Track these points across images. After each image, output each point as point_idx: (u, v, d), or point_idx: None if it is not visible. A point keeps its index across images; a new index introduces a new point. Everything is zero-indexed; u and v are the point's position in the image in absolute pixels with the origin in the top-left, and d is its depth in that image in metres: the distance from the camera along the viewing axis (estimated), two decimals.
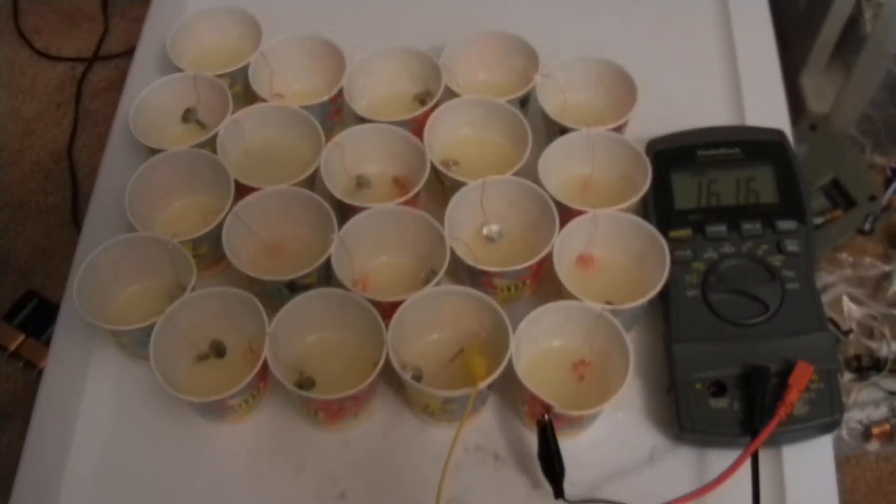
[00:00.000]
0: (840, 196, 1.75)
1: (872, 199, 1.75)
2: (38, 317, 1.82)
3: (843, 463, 1.62)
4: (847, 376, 1.62)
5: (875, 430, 1.61)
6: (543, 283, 0.96)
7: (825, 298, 0.88)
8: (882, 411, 1.63)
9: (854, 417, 1.62)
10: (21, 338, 1.79)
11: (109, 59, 2.33)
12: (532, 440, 0.87)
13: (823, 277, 1.68)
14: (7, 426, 1.72)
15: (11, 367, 1.80)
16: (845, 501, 0.88)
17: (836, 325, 1.64)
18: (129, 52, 1.23)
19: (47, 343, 1.13)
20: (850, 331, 1.67)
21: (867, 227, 1.77)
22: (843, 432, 1.60)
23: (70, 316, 0.94)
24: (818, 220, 1.70)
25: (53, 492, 0.88)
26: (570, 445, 0.87)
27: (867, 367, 1.62)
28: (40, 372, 0.95)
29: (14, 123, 2.19)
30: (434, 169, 0.97)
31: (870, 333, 1.68)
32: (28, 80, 2.29)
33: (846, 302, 1.70)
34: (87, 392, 0.94)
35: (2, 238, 1.99)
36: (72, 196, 2.07)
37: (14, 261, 1.95)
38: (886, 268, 1.74)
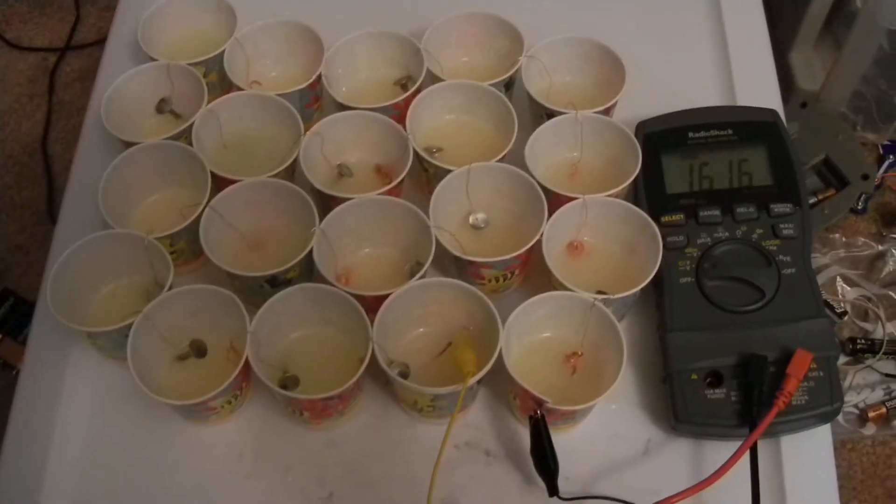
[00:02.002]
0: (832, 175, 1.74)
1: (865, 177, 1.74)
2: (15, 316, 1.78)
3: (839, 447, 1.61)
4: (842, 359, 1.61)
5: (871, 414, 1.59)
6: (532, 273, 0.94)
7: (818, 280, 0.87)
8: (878, 394, 1.62)
9: (850, 401, 1.61)
10: None
11: (82, 48, 2.29)
12: (524, 434, 0.85)
13: (816, 259, 1.67)
14: None
15: None
16: (841, 486, 0.86)
17: (831, 308, 1.63)
18: (102, 41, 1.20)
19: (24, 343, 1.10)
20: (845, 313, 1.66)
21: (860, 206, 1.76)
22: (839, 417, 1.58)
23: (45, 316, 0.92)
24: (810, 201, 1.69)
25: (34, 494, 0.86)
26: (563, 439, 0.85)
27: (862, 349, 1.61)
28: (18, 373, 0.93)
29: None
30: (417, 156, 0.95)
31: (864, 315, 1.67)
32: None
33: (840, 283, 1.69)
34: (66, 394, 0.92)
35: None
36: (47, 190, 2.03)
37: None
38: (880, 247, 1.73)
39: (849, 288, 1.68)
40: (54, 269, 0.87)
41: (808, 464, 0.86)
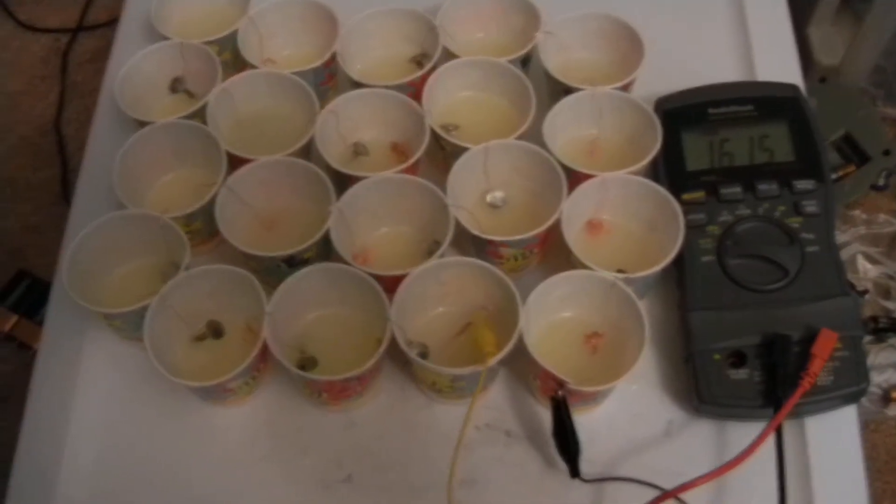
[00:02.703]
0: (852, 151, 1.72)
1: (886, 153, 1.72)
2: (31, 297, 1.79)
3: (862, 428, 1.59)
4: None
5: (894, 394, 1.58)
6: (551, 252, 0.93)
7: None
8: None
9: (872, 381, 1.59)
10: (14, 319, 1.77)
11: (95, 28, 2.28)
12: (545, 415, 0.84)
13: (837, 236, 1.65)
14: (3, 409, 1.69)
15: (6, 348, 1.78)
16: (865, 468, 0.85)
17: (852, 286, 1.61)
18: (114, 21, 1.19)
19: (41, 323, 1.10)
20: (866, 291, 1.64)
21: (881, 182, 1.74)
22: None
23: (62, 297, 0.91)
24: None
25: (52, 475, 0.86)
26: (584, 420, 0.84)
27: (884, 328, 1.59)
28: (35, 353, 0.92)
29: None
30: (434, 134, 0.94)
31: (886, 293, 1.65)
32: (12, 53, 2.24)
33: (861, 261, 1.67)
34: (83, 374, 0.91)
35: None
36: (61, 171, 2.03)
37: (4, 239, 1.92)
38: None
39: (870, 266, 1.66)
40: (70, 250, 0.86)
41: (833, 445, 0.85)
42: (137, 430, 0.88)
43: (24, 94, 2.15)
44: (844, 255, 1.66)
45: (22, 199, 1.97)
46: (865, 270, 1.66)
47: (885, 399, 1.58)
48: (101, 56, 2.14)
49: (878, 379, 1.59)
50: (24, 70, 2.20)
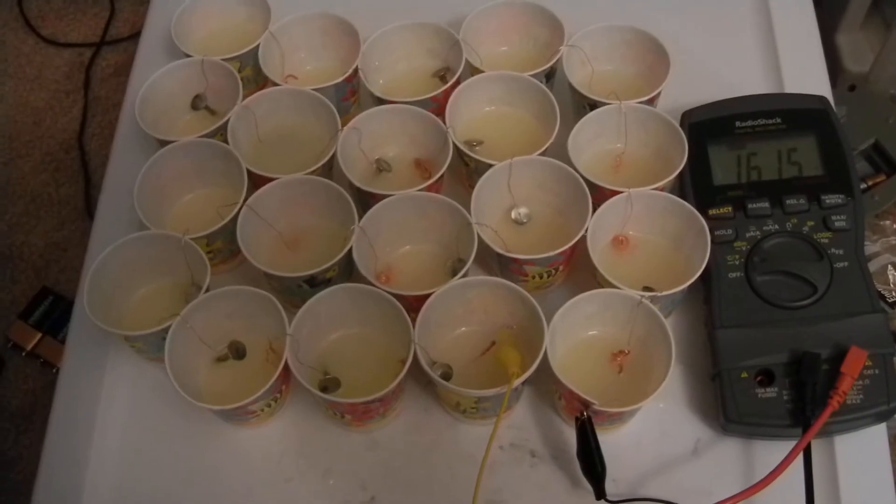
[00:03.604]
0: (882, 160, 1.70)
1: None
2: (54, 314, 1.79)
3: (892, 443, 1.57)
4: None
5: None
6: (576, 269, 0.92)
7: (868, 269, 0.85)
8: None
9: None
10: (38, 337, 1.78)
11: (117, 42, 2.29)
12: (570, 434, 0.83)
13: (866, 247, 1.63)
14: (27, 427, 1.70)
15: (29, 366, 1.78)
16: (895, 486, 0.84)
17: (882, 297, 1.59)
18: (137, 35, 1.20)
19: (64, 341, 1.10)
20: None
21: None
22: None
23: (83, 317, 0.90)
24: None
25: (74, 495, 0.86)
26: (610, 439, 0.83)
27: None
28: (58, 371, 0.92)
29: (23, 114, 2.15)
30: (457, 150, 0.93)
31: None
32: (35, 68, 2.24)
33: (891, 272, 1.65)
34: (105, 395, 0.91)
35: (15, 233, 1.96)
36: (84, 187, 2.03)
37: (28, 256, 1.92)
38: None
39: None
40: (90, 272, 0.86)
41: (862, 464, 0.83)
42: (160, 451, 0.88)
43: (48, 109, 2.16)
44: (874, 265, 1.64)
45: (46, 216, 1.98)
46: (895, 281, 1.64)
47: None
48: (124, 70, 2.15)
49: None
50: (48, 85, 2.21)
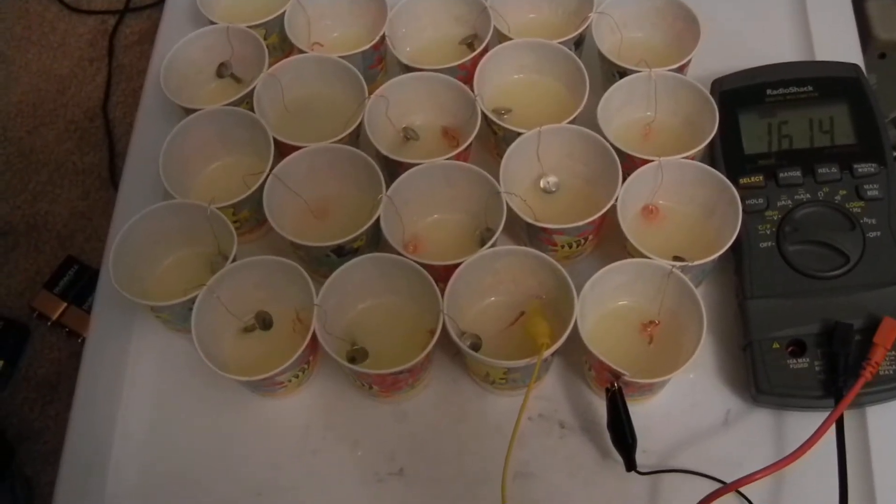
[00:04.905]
0: None
1: None
2: (79, 284, 1.79)
3: None
4: None
5: None
6: (606, 238, 0.91)
7: None
8: None
9: None
10: (63, 306, 1.77)
11: (141, 9, 2.27)
12: (600, 405, 0.83)
13: None
14: (53, 397, 1.70)
15: (55, 336, 1.78)
16: None
17: None
18: (161, 2, 1.18)
19: (90, 310, 1.10)
20: None
21: None
22: None
23: (108, 288, 0.90)
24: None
25: (100, 467, 0.86)
26: (640, 410, 0.83)
27: None
28: (83, 341, 0.92)
29: (47, 82, 2.14)
30: (486, 118, 0.92)
31: None
32: (59, 36, 2.23)
33: None
34: (131, 364, 0.91)
35: (40, 201, 1.95)
36: (108, 156, 2.03)
37: (52, 225, 1.92)
38: None
39: None
40: (115, 241, 0.85)
41: (895, 435, 0.82)
42: (186, 421, 0.88)
43: (72, 77, 2.15)
44: None
45: (70, 184, 1.97)
46: None
47: None
48: (148, 38, 2.14)
49: None
50: (71, 53, 2.20)
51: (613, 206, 0.84)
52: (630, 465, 0.78)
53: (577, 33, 0.97)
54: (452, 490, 0.83)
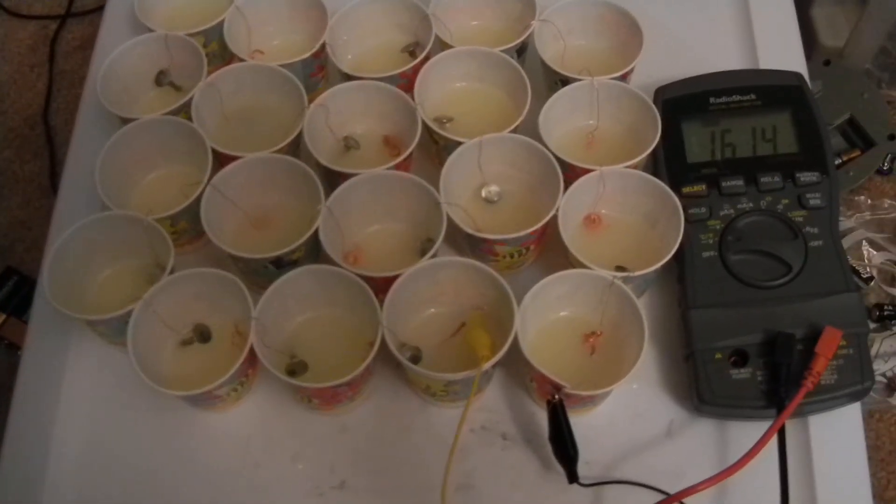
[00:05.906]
0: (857, 135, 1.70)
1: (891, 137, 1.69)
2: (19, 295, 1.76)
3: (867, 418, 1.58)
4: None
5: None
6: (548, 248, 0.91)
7: (843, 244, 0.84)
8: None
9: (877, 370, 1.57)
10: (2, 318, 1.74)
11: (83, 15, 2.24)
12: (542, 416, 0.82)
13: (841, 222, 1.63)
14: None
15: None
16: (869, 458, 0.84)
17: (857, 273, 1.59)
18: (103, 7, 1.16)
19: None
20: (871, 278, 1.62)
21: (886, 167, 1.72)
22: None
23: (45, 300, 0.89)
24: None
25: (37, 480, 0.84)
26: (583, 421, 0.82)
27: (889, 315, 1.57)
28: None
29: None
30: (427, 127, 0.91)
31: (891, 280, 1.63)
32: None
33: (865, 247, 1.64)
34: (68, 378, 0.89)
35: None
36: (49, 164, 2.00)
37: None
38: None
39: (875, 252, 1.64)
40: (51, 254, 0.84)
41: (837, 443, 0.83)
42: (124, 435, 0.86)
43: (12, 83, 2.12)
44: (849, 241, 1.63)
45: (10, 193, 1.94)
46: (870, 257, 1.64)
47: (890, 388, 1.56)
48: (90, 43, 2.10)
49: (883, 368, 1.56)
50: (12, 58, 2.16)
51: (555, 216, 0.84)
52: (572, 477, 0.77)
53: (519, 41, 0.96)
54: (394, 502, 0.82)
